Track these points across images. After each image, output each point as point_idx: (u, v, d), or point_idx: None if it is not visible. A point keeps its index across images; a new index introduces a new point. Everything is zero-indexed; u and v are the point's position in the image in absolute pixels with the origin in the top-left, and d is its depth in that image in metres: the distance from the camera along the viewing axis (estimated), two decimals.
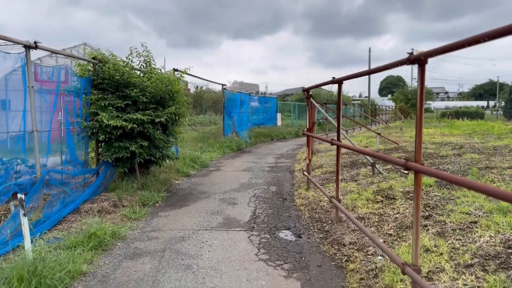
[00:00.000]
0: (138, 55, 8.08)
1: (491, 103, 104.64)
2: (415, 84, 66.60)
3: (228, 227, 5.53)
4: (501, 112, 54.62)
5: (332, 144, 5.39)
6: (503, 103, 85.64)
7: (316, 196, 6.98)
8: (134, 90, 7.26)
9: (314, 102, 8.04)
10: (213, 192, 7.88)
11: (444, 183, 6.42)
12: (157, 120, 7.25)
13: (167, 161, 8.25)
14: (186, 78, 13.93)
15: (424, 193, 5.96)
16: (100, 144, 7.51)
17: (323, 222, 5.58)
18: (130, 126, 6.84)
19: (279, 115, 23.86)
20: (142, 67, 8.18)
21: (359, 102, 62.87)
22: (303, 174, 7.90)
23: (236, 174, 10.06)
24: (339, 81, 5.14)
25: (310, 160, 8.01)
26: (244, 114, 19.56)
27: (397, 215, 5.15)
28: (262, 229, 5.46)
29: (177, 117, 7.96)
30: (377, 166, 7.96)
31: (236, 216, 6.10)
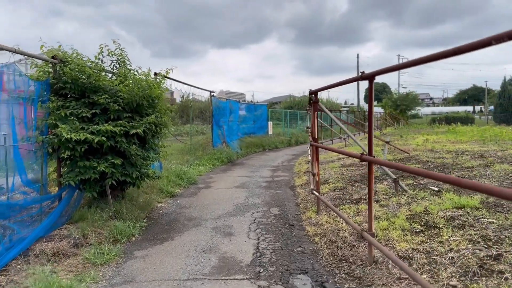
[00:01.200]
0: (110, 54, 6.70)
1: (477, 108, 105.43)
2: (402, 90, 66.30)
3: (226, 274, 4.15)
4: (491, 117, 54.43)
5: (362, 160, 4.08)
6: (491, 108, 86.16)
7: (332, 223, 5.65)
8: (103, 96, 5.88)
9: (323, 108, 6.77)
10: (204, 218, 6.50)
11: (492, 205, 5.17)
12: (133, 132, 5.86)
13: (147, 181, 6.84)
14: (172, 86, 12.56)
15: (473, 219, 4.70)
16: (64, 163, 6.07)
17: (351, 263, 4.24)
18: (97, 139, 5.45)
19: (270, 123, 22.60)
20: (114, 68, 6.79)
21: (347, 109, 62.21)
22: (312, 193, 6.57)
23: (229, 192, 8.69)
24: (369, 77, 3.87)
25: (319, 176, 6.67)
26: (234, 123, 18.22)
27: (452, 254, 3.85)
28: (271, 274, 4.10)
29: (158, 128, 6.58)
30: (400, 182, 6.67)
31: (235, 255, 4.72)
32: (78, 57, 6.18)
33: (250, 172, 12.12)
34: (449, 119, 52.29)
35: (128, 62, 6.73)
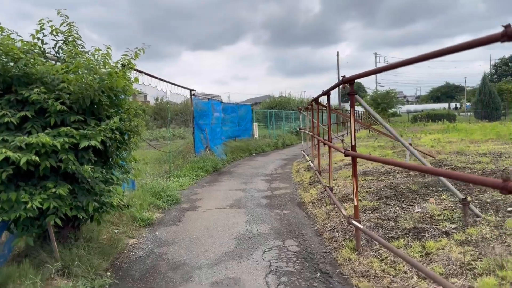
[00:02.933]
0: (54, 32, 4.64)
1: (452, 105, 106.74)
2: (380, 88, 65.67)
3: None
4: (472, 113, 54.29)
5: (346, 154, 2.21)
6: (468, 104, 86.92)
7: (393, 273, 3.78)
8: (37, 90, 3.83)
9: (362, 102, 4.93)
10: (195, 265, 4.53)
11: None
12: (85, 144, 3.83)
13: (111, 212, 4.80)
14: (145, 89, 10.49)
15: None
16: None
17: None
18: (25, 159, 3.42)
19: (255, 125, 20.71)
20: (60, 51, 4.73)
21: (335, 106, 60.89)
22: (350, 223, 4.66)
23: (223, 216, 6.74)
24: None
25: (357, 199, 4.77)
26: (217, 126, 16.23)
27: None
28: None
29: (125, 136, 4.57)
30: (471, 205, 4.85)
31: None
32: (1, 33, 4.11)
33: (242, 183, 10.17)
34: (431, 117, 51.80)
35: (80, 42, 4.67)
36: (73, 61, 4.12)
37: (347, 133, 26.11)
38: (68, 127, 3.83)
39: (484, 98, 47.46)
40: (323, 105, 10.06)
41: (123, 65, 4.68)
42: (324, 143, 6.79)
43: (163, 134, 35.59)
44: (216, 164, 13.00)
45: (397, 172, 8.17)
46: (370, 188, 7.12)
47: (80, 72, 4.02)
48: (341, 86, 4.84)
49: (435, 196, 5.93)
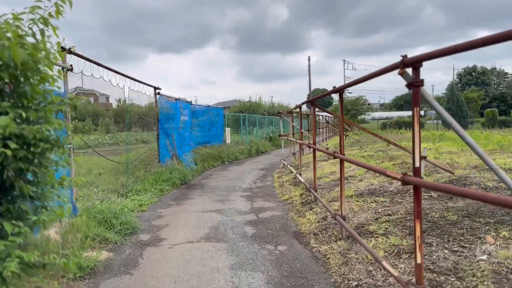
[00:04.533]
0: None
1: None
2: (348, 94, 65.39)
3: None
4: (441, 121, 54.78)
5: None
6: (431, 112, 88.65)
7: None
8: None
9: (426, 94, 3.20)
10: None
11: None
12: None
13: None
14: (107, 91, 8.46)
15: None
16: None
17: None
18: None
19: (227, 130, 18.86)
20: None
21: (304, 111, 59.96)
22: (398, 281, 2.94)
23: (197, 256, 4.88)
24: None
25: (422, 257, 3.04)
26: (186, 130, 14.28)
27: None
28: None
29: (32, 150, 2.63)
30: None
31: None
32: None
33: (218, 201, 8.33)
34: (399, 124, 51.80)
35: None
36: None
37: (324, 139, 24.76)
38: None
39: (452, 106, 47.86)
40: (322, 108, 8.44)
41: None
42: (335, 157, 5.10)
43: (125, 138, 33.19)
44: (184, 175, 11.06)
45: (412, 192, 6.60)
46: (389, 215, 5.48)
47: None
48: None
49: (491, 233, 4.35)
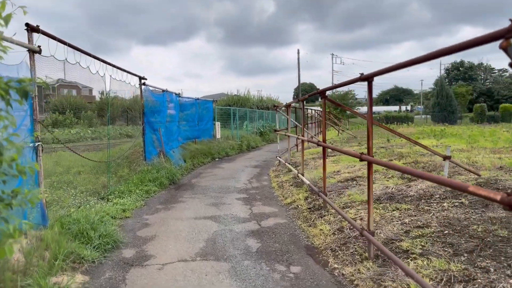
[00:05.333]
0: None
1: (402, 107, 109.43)
2: (339, 89, 64.74)
3: None
4: (430, 116, 54.66)
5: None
6: (419, 107, 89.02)
7: None
8: None
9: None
10: None
11: None
12: None
13: None
14: (87, 82, 7.40)
15: None
16: None
17: None
18: None
19: (217, 124, 17.85)
20: None
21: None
22: None
23: (193, 281, 3.95)
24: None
25: None
26: (173, 125, 13.24)
27: None
28: None
29: None
30: None
31: None
32: None
33: (211, 205, 7.40)
34: (389, 119, 51.49)
35: None
36: None
37: (316, 134, 23.94)
38: None
39: (441, 101, 47.70)
40: (333, 100, 7.53)
41: None
42: (362, 159, 4.20)
43: (108, 131, 31.83)
44: (173, 174, 10.07)
45: (438, 197, 5.77)
46: (420, 227, 4.63)
47: None
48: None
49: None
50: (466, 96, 58.45)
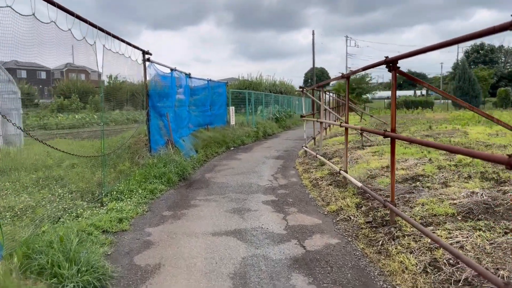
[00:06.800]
0: None
1: (417, 92, 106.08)
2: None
3: None
4: (450, 101, 52.10)
5: None
6: (432, 93, 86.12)
7: None
8: None
9: None
10: None
11: None
12: None
13: None
14: (77, 56, 5.74)
15: None
16: None
17: None
18: None
19: (231, 109, 16.13)
20: None
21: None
22: None
23: None
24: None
25: None
26: (183, 109, 11.57)
27: None
28: None
29: None
30: None
31: None
32: None
33: (233, 212, 5.74)
34: (408, 104, 49.18)
35: None
36: None
37: (336, 120, 22.05)
38: None
39: (463, 85, 45.20)
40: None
41: None
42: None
43: (115, 117, 30.30)
44: (183, 168, 8.42)
45: None
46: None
47: None
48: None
49: None
50: (488, 80, 55.64)
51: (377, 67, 5.58)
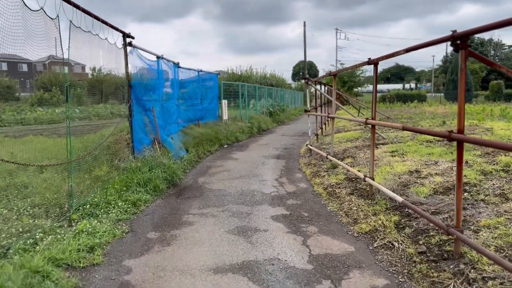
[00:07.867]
0: None
1: (406, 86, 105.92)
2: (340, 66, 61.45)
3: None
4: (443, 94, 51.49)
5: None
6: (428, 86, 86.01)
7: None
8: None
9: None
10: None
11: None
12: None
13: None
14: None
15: None
16: None
17: None
18: None
19: (224, 103, 14.83)
20: None
21: (295, 85, 56.14)
22: None
23: None
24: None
25: None
26: (172, 103, 10.26)
27: None
28: None
29: None
30: None
31: None
32: None
33: (237, 232, 4.52)
34: (400, 97, 48.38)
35: None
36: None
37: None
38: None
39: (456, 78, 44.52)
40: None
41: None
42: None
43: (99, 111, 28.60)
44: (173, 172, 7.15)
45: None
46: None
47: None
48: None
49: None
50: (480, 73, 55.22)
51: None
